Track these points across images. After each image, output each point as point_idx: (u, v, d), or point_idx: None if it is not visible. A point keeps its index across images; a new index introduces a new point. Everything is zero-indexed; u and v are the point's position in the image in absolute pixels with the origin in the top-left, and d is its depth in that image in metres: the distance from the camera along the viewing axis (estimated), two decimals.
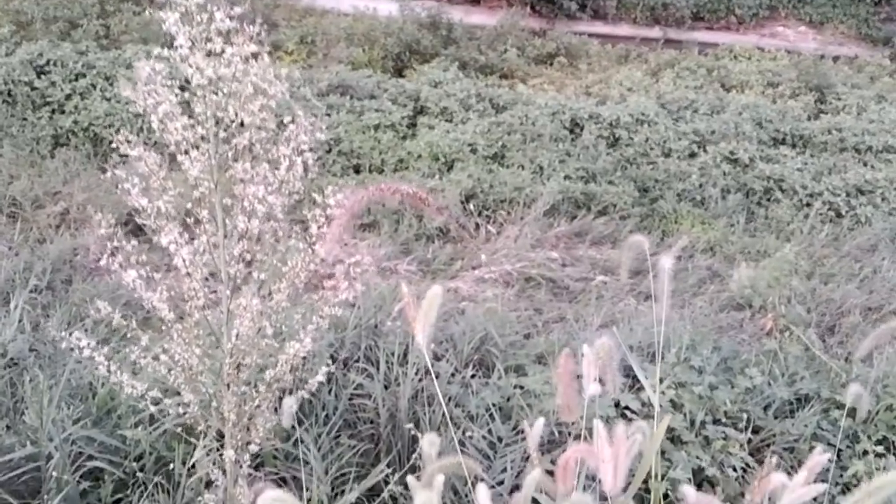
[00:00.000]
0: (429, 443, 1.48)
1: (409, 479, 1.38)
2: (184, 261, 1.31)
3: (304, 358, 1.35)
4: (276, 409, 1.39)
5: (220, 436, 1.41)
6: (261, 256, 1.34)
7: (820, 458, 1.45)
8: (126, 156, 1.46)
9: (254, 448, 1.37)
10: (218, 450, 1.34)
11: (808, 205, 8.33)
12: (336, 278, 1.31)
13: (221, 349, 1.34)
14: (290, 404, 1.54)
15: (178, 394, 1.33)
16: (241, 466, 1.36)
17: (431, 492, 1.21)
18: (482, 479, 1.32)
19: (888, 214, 8.32)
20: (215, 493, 1.36)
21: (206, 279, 1.32)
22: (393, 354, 4.42)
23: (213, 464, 1.34)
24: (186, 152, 1.34)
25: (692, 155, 9.22)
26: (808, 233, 7.59)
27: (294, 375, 1.37)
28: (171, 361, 1.34)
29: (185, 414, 1.32)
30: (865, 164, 9.60)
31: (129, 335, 1.32)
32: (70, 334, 1.34)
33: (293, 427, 3.92)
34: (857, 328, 5.49)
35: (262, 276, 1.35)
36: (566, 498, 1.16)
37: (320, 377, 1.40)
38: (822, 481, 1.65)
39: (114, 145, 1.38)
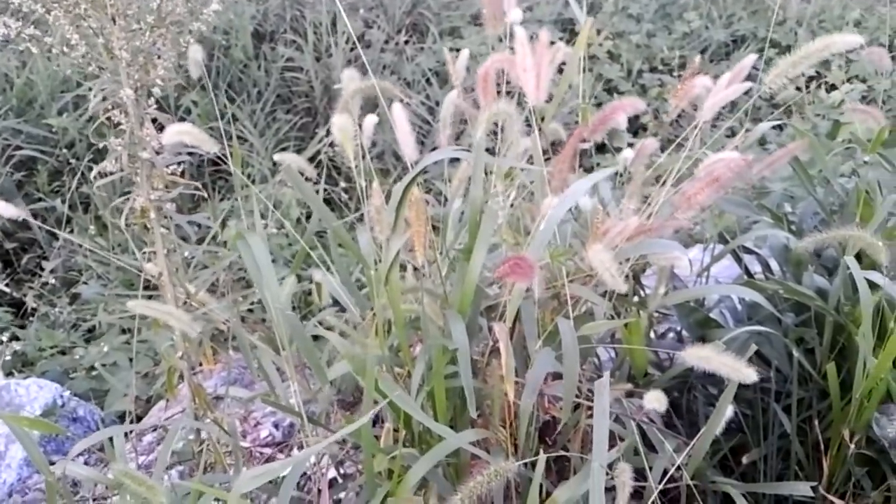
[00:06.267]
0: (348, 77, 1.42)
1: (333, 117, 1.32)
2: None
3: None
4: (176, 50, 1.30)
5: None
6: None
7: (747, 60, 1.42)
8: None
9: (157, 92, 1.30)
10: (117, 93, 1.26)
11: None
12: None
13: None
14: (196, 51, 1.44)
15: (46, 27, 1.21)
16: (143, 109, 1.29)
17: (346, 115, 1.17)
18: (400, 100, 1.28)
19: None
20: (122, 138, 1.30)
21: None
22: (321, 24, 4.24)
23: (117, 107, 1.26)
24: None
25: None
26: None
27: (188, 8, 1.26)
28: None
29: (75, 56, 1.22)
30: None
31: None
32: None
33: (225, 105, 3.84)
34: None
35: None
36: (488, 109, 1.13)
37: (215, 6, 1.29)
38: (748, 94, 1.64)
39: None
